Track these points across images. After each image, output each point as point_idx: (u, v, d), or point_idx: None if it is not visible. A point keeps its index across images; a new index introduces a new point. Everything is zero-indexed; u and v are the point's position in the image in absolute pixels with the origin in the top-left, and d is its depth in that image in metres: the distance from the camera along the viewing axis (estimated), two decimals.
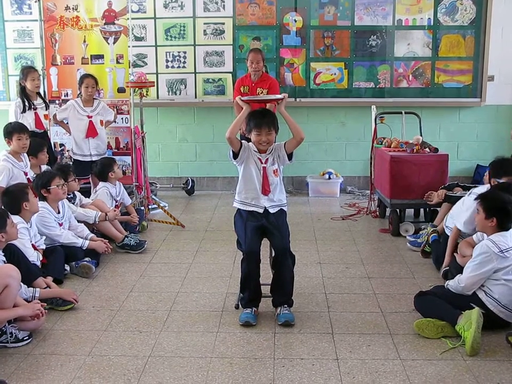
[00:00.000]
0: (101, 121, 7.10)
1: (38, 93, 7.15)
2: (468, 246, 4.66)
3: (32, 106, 6.96)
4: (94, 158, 7.02)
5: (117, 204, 6.55)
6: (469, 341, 3.77)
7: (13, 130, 6.06)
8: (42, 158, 6.37)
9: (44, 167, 6.36)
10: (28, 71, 7.01)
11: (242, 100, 4.41)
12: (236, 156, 4.37)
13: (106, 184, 6.52)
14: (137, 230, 6.50)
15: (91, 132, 7.02)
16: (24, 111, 6.91)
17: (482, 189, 5.07)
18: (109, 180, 6.53)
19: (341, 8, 8.11)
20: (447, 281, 4.37)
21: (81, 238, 5.56)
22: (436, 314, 4.10)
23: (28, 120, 6.87)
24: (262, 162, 4.38)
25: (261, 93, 7.09)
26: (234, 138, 4.32)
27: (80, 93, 7.07)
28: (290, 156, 4.42)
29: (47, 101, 7.32)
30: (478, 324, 3.81)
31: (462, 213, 5.13)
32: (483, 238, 4.38)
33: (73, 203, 6.02)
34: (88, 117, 7.01)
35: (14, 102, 7.13)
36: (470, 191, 5.32)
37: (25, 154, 6.15)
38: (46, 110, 7.21)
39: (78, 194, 6.24)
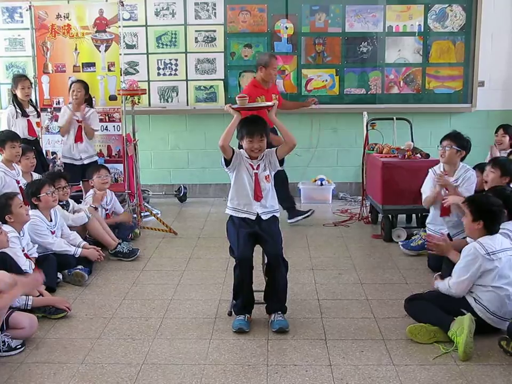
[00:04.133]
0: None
1: (30, 101, 7.15)
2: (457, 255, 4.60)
3: (25, 114, 6.96)
4: (86, 161, 7.07)
5: (107, 212, 6.54)
6: (462, 346, 3.79)
7: (6, 138, 6.06)
8: (25, 163, 6.27)
9: (36, 176, 6.33)
10: (18, 79, 6.99)
11: (233, 108, 4.41)
12: (228, 163, 4.39)
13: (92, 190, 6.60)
14: (130, 237, 6.49)
15: (79, 137, 7.04)
16: (16, 117, 6.90)
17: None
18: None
19: (331, 15, 8.14)
20: (436, 282, 4.37)
21: (74, 246, 5.56)
22: (428, 319, 4.12)
23: (21, 127, 6.87)
24: (253, 169, 4.40)
25: (275, 99, 6.97)
26: (227, 146, 4.33)
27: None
28: (281, 162, 4.44)
29: (39, 109, 7.31)
30: (470, 329, 3.83)
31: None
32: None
33: (66, 209, 6.00)
34: (78, 121, 7.03)
35: (7, 109, 7.14)
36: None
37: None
38: (38, 117, 7.21)
39: (71, 201, 6.22)
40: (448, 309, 4.10)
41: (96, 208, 6.15)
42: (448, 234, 5.10)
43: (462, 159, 5.60)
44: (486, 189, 5.23)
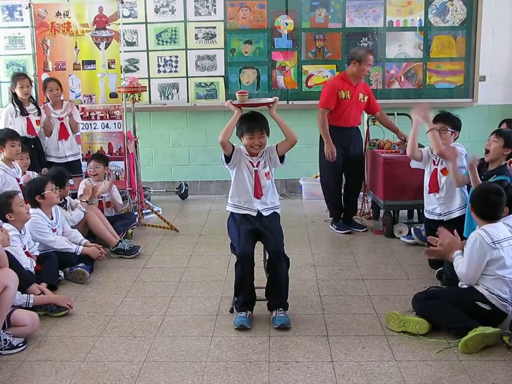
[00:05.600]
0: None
1: (31, 99, 7.14)
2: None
3: (24, 112, 6.95)
4: (70, 159, 7.15)
5: (100, 200, 6.57)
6: (469, 336, 3.81)
7: (6, 137, 6.06)
8: (18, 163, 6.22)
9: (30, 174, 6.27)
10: (17, 78, 6.98)
11: (233, 104, 4.39)
12: (228, 159, 4.38)
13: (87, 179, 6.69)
14: (122, 236, 6.35)
15: (63, 133, 7.09)
16: (16, 116, 6.89)
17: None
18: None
19: (332, 10, 8.12)
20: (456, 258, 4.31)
21: (75, 243, 5.57)
22: (448, 322, 4.08)
23: (20, 125, 6.86)
24: (253, 166, 4.39)
25: (362, 99, 6.69)
26: (227, 143, 4.32)
27: (47, 98, 7.14)
28: (282, 158, 4.42)
29: (40, 107, 7.30)
30: (489, 335, 3.85)
31: None
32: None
33: (65, 207, 6.00)
34: (59, 119, 7.07)
35: (5, 107, 7.15)
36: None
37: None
38: (38, 115, 7.19)
39: (68, 197, 6.20)
40: (463, 303, 4.09)
41: (87, 202, 6.13)
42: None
43: (455, 140, 5.59)
44: (486, 160, 5.23)
